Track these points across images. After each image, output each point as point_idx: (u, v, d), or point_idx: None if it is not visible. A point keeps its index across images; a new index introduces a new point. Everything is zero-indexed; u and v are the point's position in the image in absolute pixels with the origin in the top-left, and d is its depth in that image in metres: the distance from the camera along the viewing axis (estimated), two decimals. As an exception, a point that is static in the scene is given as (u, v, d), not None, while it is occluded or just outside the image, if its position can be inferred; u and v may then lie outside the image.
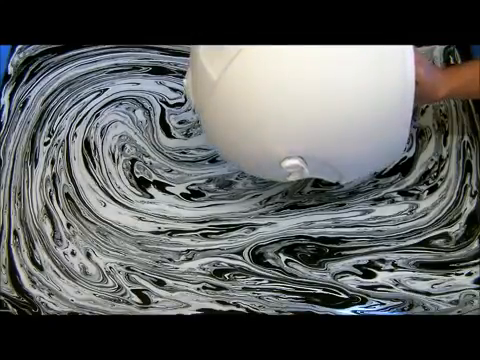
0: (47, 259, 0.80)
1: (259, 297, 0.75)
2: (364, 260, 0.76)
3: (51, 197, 0.83)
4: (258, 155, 0.62)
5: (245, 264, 0.77)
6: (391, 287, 0.74)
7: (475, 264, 0.75)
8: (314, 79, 0.54)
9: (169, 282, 0.77)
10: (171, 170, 0.84)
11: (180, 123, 0.88)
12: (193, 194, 0.82)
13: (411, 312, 0.73)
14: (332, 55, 0.54)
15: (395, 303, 0.73)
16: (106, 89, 0.91)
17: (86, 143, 0.87)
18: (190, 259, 0.78)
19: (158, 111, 0.89)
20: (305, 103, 0.55)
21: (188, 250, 0.79)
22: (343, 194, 0.80)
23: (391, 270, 0.75)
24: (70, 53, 0.94)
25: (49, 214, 0.82)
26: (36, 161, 0.86)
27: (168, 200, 0.82)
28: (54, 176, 0.85)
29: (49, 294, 0.77)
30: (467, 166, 0.80)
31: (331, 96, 0.55)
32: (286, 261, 0.77)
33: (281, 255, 0.77)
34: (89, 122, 0.88)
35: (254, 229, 0.79)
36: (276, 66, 0.55)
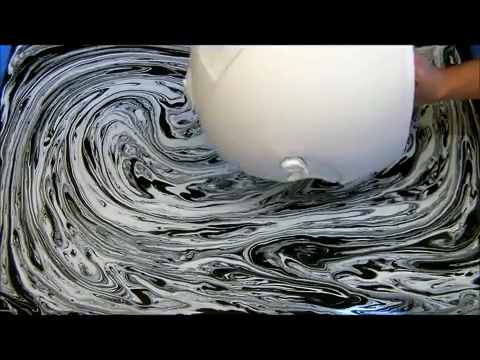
0: (47, 259, 0.80)
1: (259, 297, 0.75)
2: (364, 260, 0.76)
3: (51, 197, 0.83)
4: (258, 155, 0.62)
5: (245, 264, 0.77)
6: (391, 287, 0.74)
7: (475, 264, 0.75)
8: (314, 79, 0.54)
9: (169, 282, 0.77)
10: (171, 170, 0.84)
11: (180, 123, 0.88)
12: (193, 194, 0.82)
13: (411, 312, 0.73)
14: (332, 55, 0.54)
15: (395, 303, 0.73)
16: (106, 89, 0.91)
17: (86, 143, 0.87)
18: (190, 259, 0.78)
19: (158, 111, 0.89)
20: (305, 103, 0.55)
21: (188, 250, 0.79)
22: (343, 194, 0.80)
23: (391, 270, 0.75)
24: (70, 53, 0.94)
25: (49, 214, 0.82)
26: (36, 161, 0.86)
27: (168, 200, 0.82)
28: (54, 176, 0.85)
29: (49, 294, 0.77)
30: (467, 166, 0.80)
31: (331, 96, 0.55)
32: (286, 261, 0.77)
33: (281, 255, 0.77)
34: (89, 122, 0.88)
35: (254, 229, 0.79)
36: (276, 66, 0.55)
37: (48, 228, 0.82)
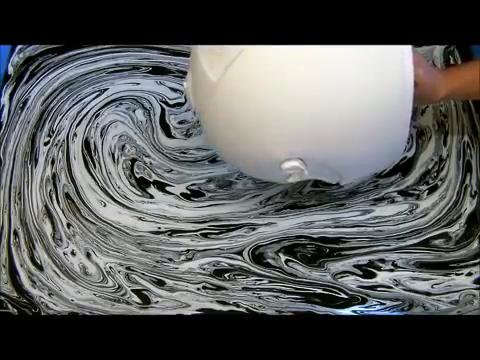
0: (47, 259, 0.80)
1: (259, 297, 0.75)
2: (364, 260, 0.76)
3: (51, 197, 0.83)
4: (257, 156, 0.62)
5: (245, 264, 0.77)
6: (391, 287, 0.74)
7: (475, 264, 0.75)
8: (314, 80, 0.54)
9: (169, 282, 0.77)
10: (171, 170, 0.84)
11: (180, 123, 0.88)
12: (193, 194, 0.82)
13: (411, 312, 0.73)
14: (331, 56, 0.54)
15: (395, 303, 0.73)
16: (106, 89, 0.91)
17: (86, 143, 0.87)
18: (190, 259, 0.78)
19: (158, 111, 0.89)
20: (305, 104, 0.55)
21: (188, 250, 0.79)
22: (343, 194, 0.80)
23: (391, 270, 0.75)
24: (70, 53, 0.94)
25: (49, 214, 0.82)
26: (36, 161, 0.86)
27: (168, 200, 0.82)
28: (54, 176, 0.85)
29: (49, 294, 0.77)
30: (467, 166, 0.80)
31: (331, 97, 0.55)
32: (286, 261, 0.77)
33: (281, 255, 0.77)
34: (89, 122, 0.88)
35: (254, 229, 0.79)
36: (275, 67, 0.55)
37: (48, 228, 0.82)
